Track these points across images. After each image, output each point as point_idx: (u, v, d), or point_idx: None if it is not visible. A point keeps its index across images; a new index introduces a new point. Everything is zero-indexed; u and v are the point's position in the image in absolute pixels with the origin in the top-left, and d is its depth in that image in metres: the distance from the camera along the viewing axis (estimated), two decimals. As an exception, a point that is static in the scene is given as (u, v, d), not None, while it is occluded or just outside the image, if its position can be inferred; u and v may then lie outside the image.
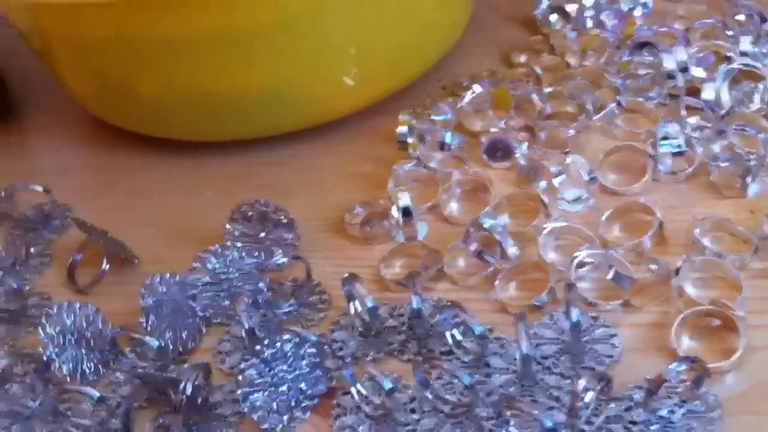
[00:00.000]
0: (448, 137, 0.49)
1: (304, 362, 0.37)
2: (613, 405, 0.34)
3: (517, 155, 0.48)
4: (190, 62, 0.49)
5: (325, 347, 0.39)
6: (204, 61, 0.49)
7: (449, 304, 0.38)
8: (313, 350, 0.37)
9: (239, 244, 0.43)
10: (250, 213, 0.43)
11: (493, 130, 0.50)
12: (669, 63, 0.49)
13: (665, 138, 0.45)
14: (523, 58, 0.57)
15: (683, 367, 0.34)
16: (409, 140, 0.49)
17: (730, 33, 0.53)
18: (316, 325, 0.41)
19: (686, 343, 0.37)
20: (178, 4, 0.46)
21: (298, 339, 0.37)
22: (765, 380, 0.35)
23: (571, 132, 0.48)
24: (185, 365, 0.39)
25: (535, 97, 0.51)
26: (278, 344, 0.36)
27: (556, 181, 0.45)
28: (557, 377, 0.36)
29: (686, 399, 0.34)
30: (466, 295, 0.41)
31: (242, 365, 0.36)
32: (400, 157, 0.49)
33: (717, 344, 0.37)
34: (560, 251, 0.42)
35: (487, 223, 0.42)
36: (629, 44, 0.53)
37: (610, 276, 0.39)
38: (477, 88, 0.52)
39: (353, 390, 0.36)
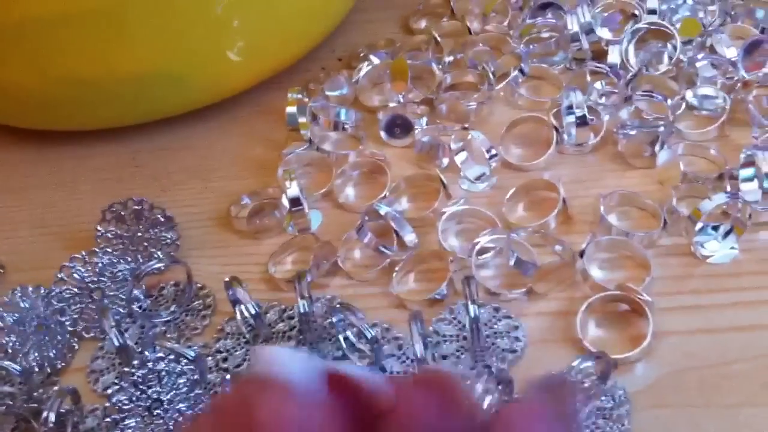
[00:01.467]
0: (342, 114, 0.45)
1: (182, 380, 0.33)
2: (516, 407, 0.32)
3: (416, 131, 0.45)
4: (59, 46, 0.44)
5: (209, 359, 0.35)
6: (73, 44, 0.44)
7: (339, 306, 0.35)
8: (191, 366, 0.34)
9: (110, 249, 0.39)
10: (122, 213, 0.39)
11: (391, 105, 0.46)
12: (572, 24, 0.47)
13: (569, 107, 0.42)
14: (423, 24, 0.53)
15: (587, 363, 0.32)
16: (301, 120, 0.45)
17: (638, -12, 0.50)
18: (200, 334, 0.37)
19: (593, 332, 0.35)
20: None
21: (172, 355, 0.33)
22: (676, 368, 0.33)
23: (473, 104, 0.45)
24: (55, 388, 0.36)
25: (435, 66, 0.48)
26: (150, 363, 0.33)
27: (457, 159, 0.42)
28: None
29: (592, 395, 0.32)
30: (363, 290, 0.38)
31: (109, 390, 0.32)
32: (292, 139, 0.46)
33: (626, 331, 0.35)
34: (462, 236, 0.40)
35: (383, 209, 0.39)
36: (531, 5, 0.50)
37: (512, 262, 0.36)
38: (374, 60, 0.49)
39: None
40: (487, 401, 0.30)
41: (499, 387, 0.32)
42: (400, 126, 0.45)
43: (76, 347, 0.37)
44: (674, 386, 0.33)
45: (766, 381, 0.33)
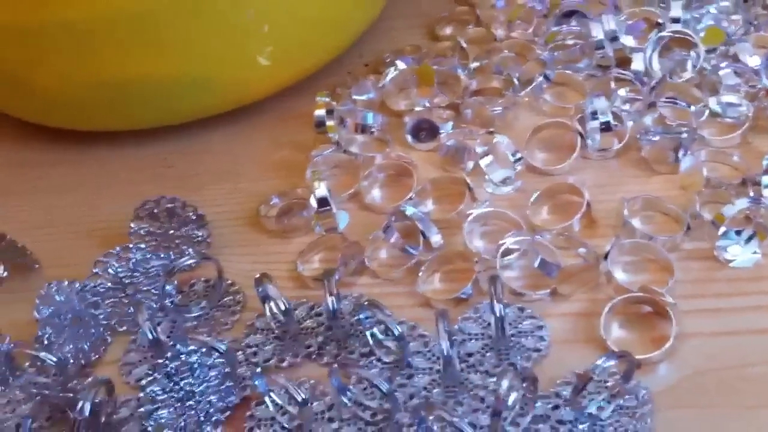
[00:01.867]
0: (369, 118, 0.46)
1: (213, 373, 0.34)
2: (539, 404, 0.33)
3: (442, 135, 0.45)
4: (89, 49, 0.45)
5: (239, 353, 0.36)
6: (107, 48, 0.45)
7: (366, 303, 0.35)
8: (222, 359, 0.34)
9: (143, 245, 0.40)
10: (155, 210, 0.40)
11: (417, 109, 0.47)
12: (597, 32, 0.47)
13: (593, 113, 0.43)
14: (448, 31, 0.54)
15: (611, 362, 0.32)
16: (329, 123, 0.46)
17: (662, -2, 0.51)
18: (229, 329, 0.38)
19: (616, 333, 0.35)
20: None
21: (204, 349, 0.34)
22: (698, 370, 0.34)
23: (498, 109, 0.46)
24: (89, 379, 0.37)
25: (460, 72, 0.48)
26: (183, 356, 0.34)
27: (482, 163, 0.43)
28: (482, 375, 0.34)
29: (616, 394, 0.33)
30: (389, 289, 0.39)
31: (143, 381, 0.33)
32: (319, 141, 0.47)
33: (648, 332, 0.35)
34: (487, 238, 0.40)
35: (410, 211, 0.40)
36: (557, 13, 0.50)
37: (536, 264, 0.37)
38: (400, 65, 0.50)
39: (267, 400, 0.34)
40: (512, 398, 0.31)
41: (524, 384, 0.32)
42: (425, 130, 0.46)
43: (110, 340, 0.38)
44: (696, 387, 0.33)
45: (785, 383, 0.33)
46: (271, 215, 0.42)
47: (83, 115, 0.49)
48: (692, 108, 0.43)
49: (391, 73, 0.49)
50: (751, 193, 0.39)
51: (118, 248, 0.40)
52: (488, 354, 0.35)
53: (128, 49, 0.45)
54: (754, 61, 0.45)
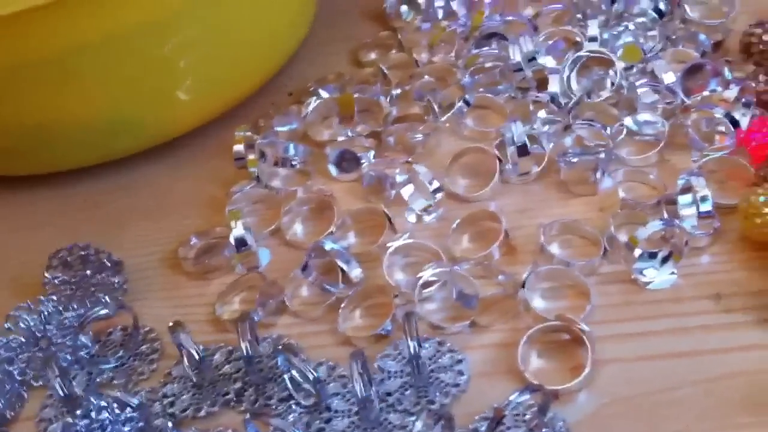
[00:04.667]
0: (290, 149, 0.46)
1: (126, 429, 0.33)
2: (457, 442, 0.32)
3: (364, 165, 0.45)
4: (8, 95, 0.44)
5: (156, 404, 0.36)
6: (24, 93, 0.44)
7: (281, 347, 0.35)
8: (135, 414, 0.34)
9: (54, 297, 0.39)
10: (68, 258, 0.40)
11: (339, 139, 0.47)
12: (515, 54, 0.47)
13: (512, 137, 0.43)
14: (372, 56, 0.54)
15: (525, 396, 0.32)
16: (249, 157, 0.45)
17: (581, 16, 0.51)
18: (146, 379, 0.37)
19: (535, 363, 0.35)
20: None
21: (116, 404, 0.33)
22: (618, 397, 0.34)
23: (419, 136, 0.46)
24: (3, 439, 0.36)
25: (382, 99, 0.48)
26: (92, 413, 0.33)
27: (403, 192, 0.43)
28: (402, 415, 0.34)
29: (534, 427, 0.32)
30: (310, 328, 0.39)
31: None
32: (241, 176, 0.46)
33: (567, 361, 0.35)
34: (408, 270, 0.40)
35: (328, 246, 0.40)
36: (476, 36, 0.50)
37: (455, 296, 0.37)
38: (323, 94, 0.49)
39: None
40: (427, 439, 0.31)
41: (441, 423, 0.32)
42: (348, 160, 0.46)
43: (26, 396, 0.37)
44: (617, 414, 0.33)
45: (708, 406, 0.33)
46: (190, 257, 0.42)
47: (5, 161, 0.48)
48: (609, 129, 0.43)
49: (314, 102, 0.49)
50: (665, 214, 0.39)
51: (29, 301, 0.39)
52: (407, 392, 0.35)
53: (47, 93, 0.44)
54: (669, 77, 0.45)
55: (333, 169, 0.46)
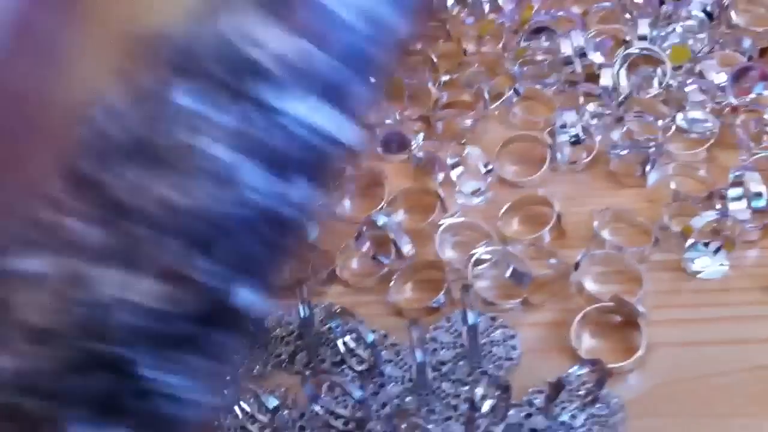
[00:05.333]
0: (340, 129, 0.46)
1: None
2: (512, 412, 0.33)
3: (413, 147, 0.46)
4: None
5: (208, 362, 0.36)
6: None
7: (338, 311, 0.35)
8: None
9: None
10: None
11: (387, 122, 0.47)
12: (566, 48, 0.48)
13: (563, 126, 0.43)
14: (419, 46, 0.54)
15: (583, 370, 0.32)
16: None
17: (629, 16, 0.52)
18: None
19: (587, 342, 0.36)
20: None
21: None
22: (668, 379, 0.34)
23: (468, 122, 0.46)
24: None
25: (431, 86, 0.49)
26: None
27: (453, 174, 0.43)
28: (455, 384, 0.34)
29: (588, 403, 0.33)
30: (360, 298, 0.39)
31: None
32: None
33: (619, 342, 0.36)
34: (458, 248, 0.40)
35: (381, 220, 0.40)
36: (526, 29, 0.51)
37: (508, 274, 0.37)
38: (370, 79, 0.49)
39: (236, 409, 0.33)
40: (486, 406, 0.31)
41: (497, 393, 0.32)
42: (396, 142, 0.46)
43: None
44: (666, 396, 0.34)
45: (752, 392, 0.33)
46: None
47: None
48: (659, 123, 0.43)
49: (362, 85, 0.49)
50: (718, 206, 0.39)
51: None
52: (460, 363, 0.35)
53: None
54: (719, 77, 0.45)
55: (381, 149, 0.46)
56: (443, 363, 0.35)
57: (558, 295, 0.37)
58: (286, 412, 0.33)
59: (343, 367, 0.35)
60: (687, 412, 0.33)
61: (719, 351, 0.35)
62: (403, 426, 0.31)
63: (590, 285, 0.37)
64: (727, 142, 0.43)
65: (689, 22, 0.50)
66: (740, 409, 0.33)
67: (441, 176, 0.44)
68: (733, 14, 0.50)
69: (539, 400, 0.33)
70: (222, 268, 0.21)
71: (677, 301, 0.37)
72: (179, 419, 0.22)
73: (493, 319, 0.37)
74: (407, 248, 0.39)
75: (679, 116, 0.44)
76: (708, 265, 0.38)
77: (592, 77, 0.48)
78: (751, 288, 0.37)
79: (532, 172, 0.43)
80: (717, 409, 0.33)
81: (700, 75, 0.46)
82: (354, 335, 0.35)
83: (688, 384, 0.34)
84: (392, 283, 0.38)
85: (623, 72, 0.47)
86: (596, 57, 0.49)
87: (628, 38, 0.49)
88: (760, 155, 0.42)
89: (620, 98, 0.45)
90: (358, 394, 0.32)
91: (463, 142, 0.44)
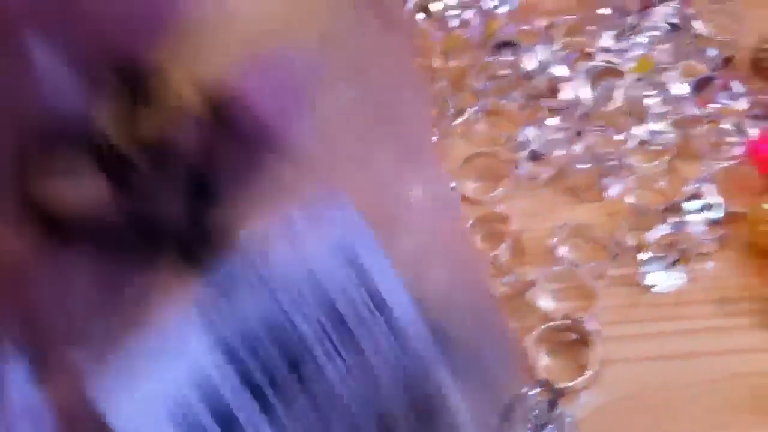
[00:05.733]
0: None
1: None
2: (465, 434, 0.33)
3: (376, 166, 0.46)
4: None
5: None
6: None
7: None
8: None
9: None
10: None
11: (352, 140, 0.47)
12: (529, 63, 0.48)
13: (523, 142, 0.43)
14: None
15: (534, 391, 0.32)
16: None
17: (594, 28, 0.52)
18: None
19: (544, 361, 0.36)
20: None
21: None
22: (622, 395, 0.34)
23: (433, 139, 0.46)
24: None
25: (395, 103, 0.49)
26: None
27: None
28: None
29: (542, 423, 0.33)
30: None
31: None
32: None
33: (575, 360, 0.36)
34: (418, 268, 0.40)
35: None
36: (490, 44, 0.51)
37: (465, 294, 0.37)
38: (337, 96, 0.50)
39: None
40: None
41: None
42: (361, 161, 0.46)
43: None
44: (621, 413, 0.34)
45: (713, 405, 0.34)
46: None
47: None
48: (619, 136, 0.44)
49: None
50: (676, 219, 0.39)
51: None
52: (416, 385, 0.35)
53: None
54: (681, 89, 0.45)
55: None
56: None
57: (514, 314, 0.38)
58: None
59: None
60: (642, 428, 0.33)
61: (676, 365, 0.35)
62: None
63: (546, 303, 0.37)
64: (687, 153, 0.43)
65: (653, 33, 0.50)
66: (698, 423, 0.33)
67: (403, 195, 0.44)
68: (697, 24, 0.50)
69: (494, 422, 0.33)
70: None
71: (633, 316, 0.37)
72: None
73: (450, 339, 0.37)
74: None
75: (640, 128, 0.44)
76: (663, 279, 0.38)
77: (555, 91, 0.48)
78: (706, 300, 0.37)
79: (494, 189, 0.43)
80: (674, 424, 0.33)
81: (663, 86, 0.47)
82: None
83: (644, 399, 0.34)
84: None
85: (585, 85, 0.47)
86: (561, 70, 0.49)
87: (591, 51, 0.49)
88: (719, 166, 0.42)
89: (581, 112, 0.45)
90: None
91: (423, 161, 0.44)
